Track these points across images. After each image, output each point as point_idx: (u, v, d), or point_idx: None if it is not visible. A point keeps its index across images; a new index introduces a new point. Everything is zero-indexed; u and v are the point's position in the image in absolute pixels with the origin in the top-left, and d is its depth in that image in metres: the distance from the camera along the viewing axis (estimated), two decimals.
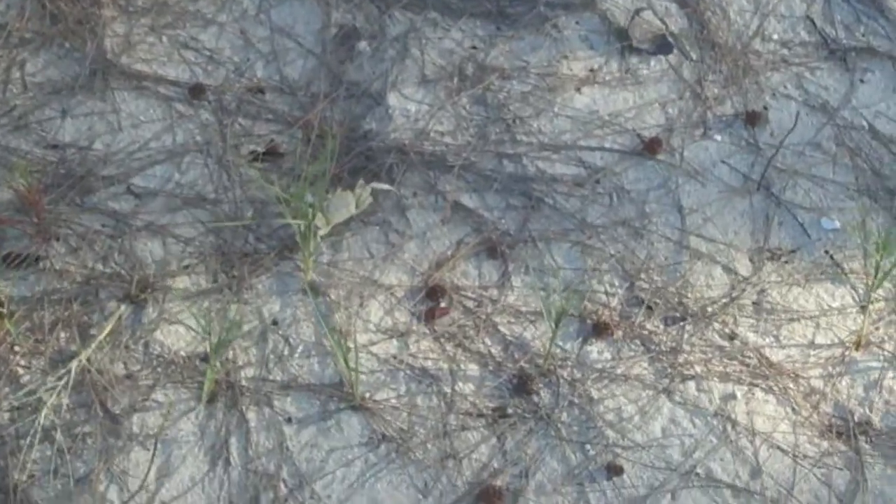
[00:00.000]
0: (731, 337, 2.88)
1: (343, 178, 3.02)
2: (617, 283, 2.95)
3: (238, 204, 2.98)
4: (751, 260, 3.03)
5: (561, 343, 2.84)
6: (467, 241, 2.97)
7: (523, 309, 2.89)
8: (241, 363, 2.74)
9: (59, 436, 2.60)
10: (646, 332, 2.87)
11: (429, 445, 2.67)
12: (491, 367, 2.79)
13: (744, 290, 2.96)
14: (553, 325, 2.70)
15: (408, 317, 2.85)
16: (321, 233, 2.85)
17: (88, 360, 2.69)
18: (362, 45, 3.28)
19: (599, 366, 2.83)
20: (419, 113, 3.16)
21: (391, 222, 2.97)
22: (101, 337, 2.72)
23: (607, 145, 3.16)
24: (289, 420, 2.68)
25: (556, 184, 3.07)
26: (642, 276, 2.95)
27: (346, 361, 2.63)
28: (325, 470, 2.64)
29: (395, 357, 2.79)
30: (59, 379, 2.65)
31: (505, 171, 3.08)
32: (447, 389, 2.76)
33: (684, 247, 3.00)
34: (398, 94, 3.18)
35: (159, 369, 2.71)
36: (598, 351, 2.85)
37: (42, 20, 3.20)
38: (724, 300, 2.94)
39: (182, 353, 2.74)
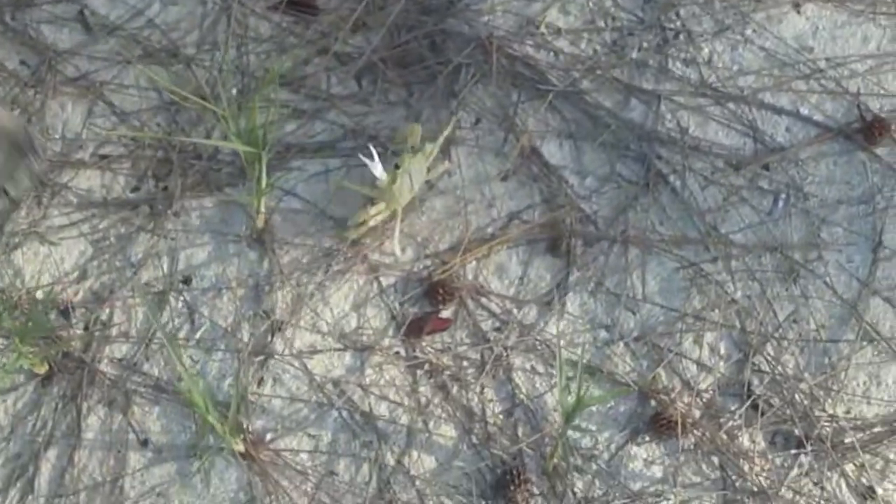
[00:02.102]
0: (866, 495, 1.76)
1: (379, 69, 1.97)
2: (723, 352, 1.85)
3: (223, 74, 1.99)
4: None
5: (594, 428, 1.79)
6: (526, 217, 1.92)
7: (566, 354, 1.84)
8: (114, 333, 1.82)
9: None
10: (734, 449, 1.78)
11: None
12: (475, 439, 1.79)
13: None
14: (564, 410, 1.66)
15: (384, 320, 1.85)
16: (381, 214, 1.85)
17: None
18: None
19: (637, 485, 1.77)
20: None
21: None
22: None
23: (805, 111, 1.98)
24: (144, 443, 1.78)
25: (699, 156, 1.94)
26: (767, 349, 1.83)
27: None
28: None
29: (335, 384, 1.81)
30: None
31: (626, 117, 1.96)
32: (391, 460, 1.78)
33: (856, 315, 1.85)
34: None
35: None
36: (645, 459, 1.79)
37: None
38: (880, 427, 1.80)
39: (39, 294, 1.84)
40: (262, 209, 1.86)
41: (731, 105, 2.00)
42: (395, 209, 1.86)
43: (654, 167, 1.96)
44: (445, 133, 1.90)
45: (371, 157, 1.83)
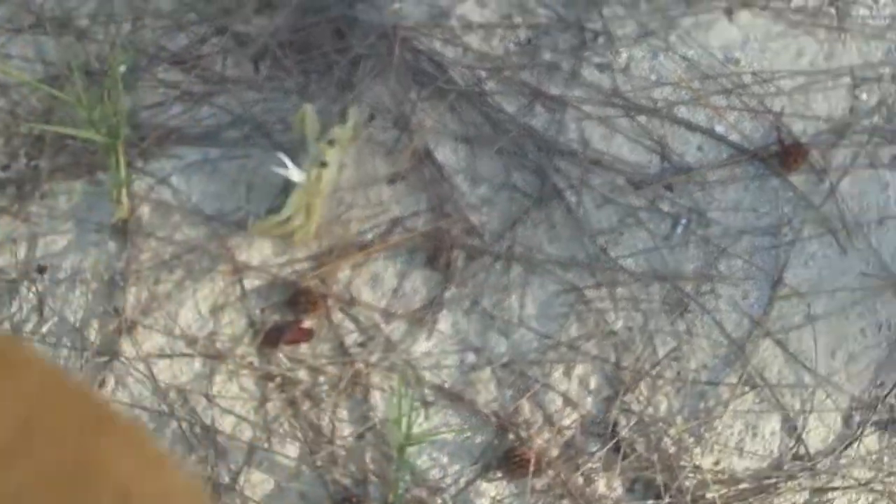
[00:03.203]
0: None
1: (270, 53, 1.88)
2: (592, 386, 1.74)
3: (114, 49, 1.91)
4: (846, 419, 1.73)
5: (446, 460, 1.71)
6: (409, 224, 1.81)
7: (428, 377, 1.75)
8: None
9: None
10: (588, 494, 1.68)
11: None
12: (319, 461, 1.71)
13: (810, 469, 1.70)
14: (396, 442, 1.57)
15: (242, 327, 1.77)
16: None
17: None
18: None
19: None
20: None
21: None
22: None
23: (720, 129, 1.85)
24: None
25: (599, 172, 1.82)
26: (641, 388, 1.72)
27: None
28: None
29: (180, 392, 1.74)
30: None
31: (527, 123, 1.84)
32: (225, 478, 1.71)
33: (742, 357, 1.73)
34: None
35: None
36: (493, 497, 1.71)
37: None
38: (747, 484, 1.69)
39: None
40: (124, 199, 1.78)
41: (641, 118, 1.87)
42: (314, 204, 1.77)
43: (551, 180, 1.84)
44: (352, 120, 1.80)
45: (283, 164, 1.74)
